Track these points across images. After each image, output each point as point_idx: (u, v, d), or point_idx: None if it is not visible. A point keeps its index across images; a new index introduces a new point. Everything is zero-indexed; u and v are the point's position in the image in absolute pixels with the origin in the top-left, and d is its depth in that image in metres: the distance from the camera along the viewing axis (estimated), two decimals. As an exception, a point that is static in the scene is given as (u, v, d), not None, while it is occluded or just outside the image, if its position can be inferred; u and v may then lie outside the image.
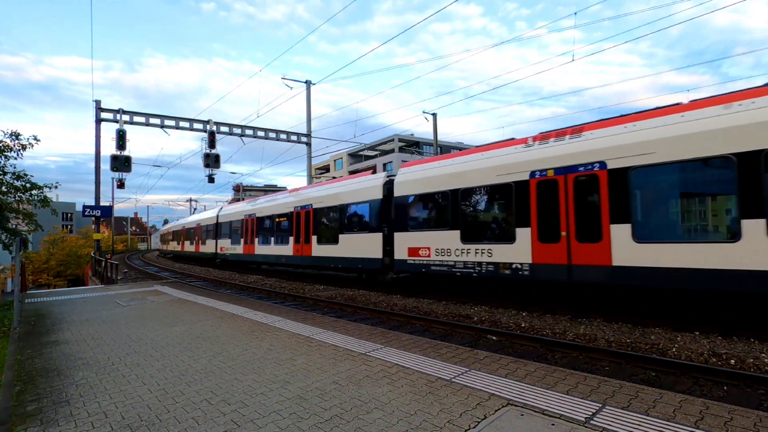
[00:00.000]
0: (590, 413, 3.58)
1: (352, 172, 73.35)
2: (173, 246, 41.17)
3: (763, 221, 6.69)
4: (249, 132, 23.84)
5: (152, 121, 20.84)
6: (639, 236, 7.92)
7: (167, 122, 21.23)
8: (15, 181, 13.43)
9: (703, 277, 7.18)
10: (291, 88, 25.43)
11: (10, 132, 13.01)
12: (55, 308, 10.49)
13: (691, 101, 8.01)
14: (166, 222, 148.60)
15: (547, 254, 9.18)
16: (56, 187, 14.88)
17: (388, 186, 13.66)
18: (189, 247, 34.98)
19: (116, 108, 20.16)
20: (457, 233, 10.97)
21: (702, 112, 7.52)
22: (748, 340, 6.77)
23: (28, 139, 13.29)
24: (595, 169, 8.53)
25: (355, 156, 73.17)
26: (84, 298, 12.19)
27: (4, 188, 13.24)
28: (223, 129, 22.82)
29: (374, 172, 16.48)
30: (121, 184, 20.60)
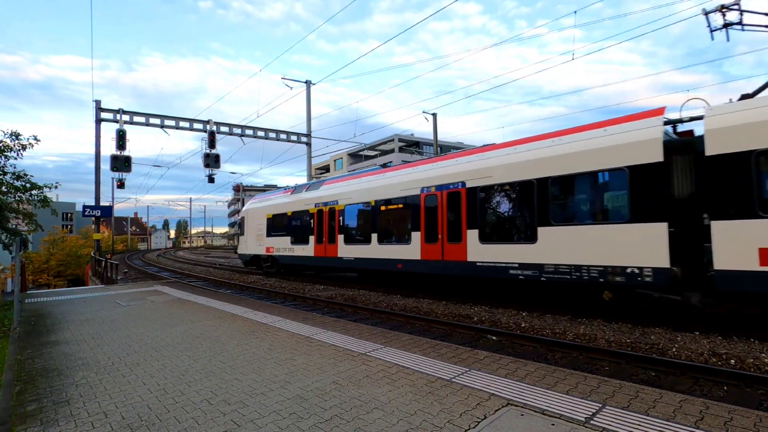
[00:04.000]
0: (590, 413, 3.58)
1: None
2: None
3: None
4: (249, 132, 23.84)
5: (152, 121, 20.84)
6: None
7: (167, 122, 21.22)
8: (15, 181, 13.40)
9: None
10: (291, 88, 25.44)
11: (10, 132, 13.02)
12: (55, 308, 10.49)
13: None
14: (166, 223, 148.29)
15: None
16: (56, 187, 14.87)
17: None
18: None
19: (116, 108, 20.16)
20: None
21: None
22: (748, 340, 6.77)
23: (27, 138, 13.29)
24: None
25: (355, 156, 73.08)
26: (84, 298, 12.19)
27: (4, 188, 13.22)
28: (223, 129, 22.82)
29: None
30: (121, 184, 20.58)
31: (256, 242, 20.59)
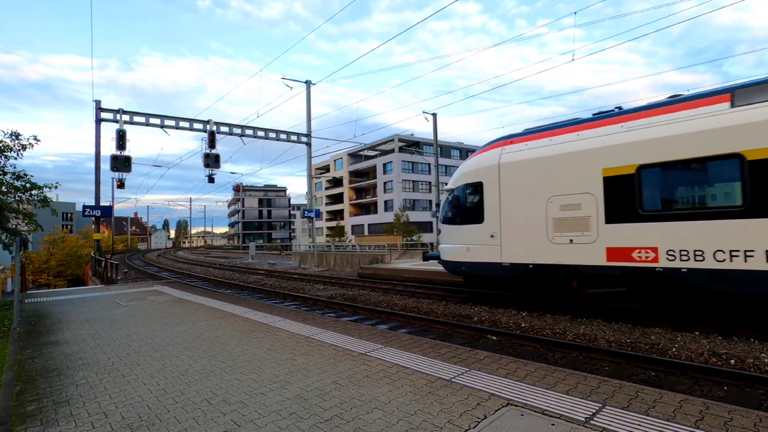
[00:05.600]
0: (590, 413, 3.57)
1: (352, 173, 73.31)
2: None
3: None
4: (249, 132, 23.85)
5: (152, 121, 20.84)
6: None
7: (167, 122, 21.23)
8: (15, 181, 13.41)
9: None
10: (291, 88, 25.50)
11: (10, 132, 13.03)
12: (55, 308, 10.49)
13: None
14: (166, 223, 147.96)
15: None
16: (56, 187, 14.88)
17: None
18: None
19: (116, 108, 20.16)
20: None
21: None
22: (748, 340, 6.78)
23: (27, 138, 13.29)
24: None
25: (355, 156, 73.03)
26: (84, 298, 12.19)
27: (4, 188, 13.23)
28: (223, 129, 22.82)
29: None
30: (121, 184, 20.59)
31: (542, 236, 8.88)
